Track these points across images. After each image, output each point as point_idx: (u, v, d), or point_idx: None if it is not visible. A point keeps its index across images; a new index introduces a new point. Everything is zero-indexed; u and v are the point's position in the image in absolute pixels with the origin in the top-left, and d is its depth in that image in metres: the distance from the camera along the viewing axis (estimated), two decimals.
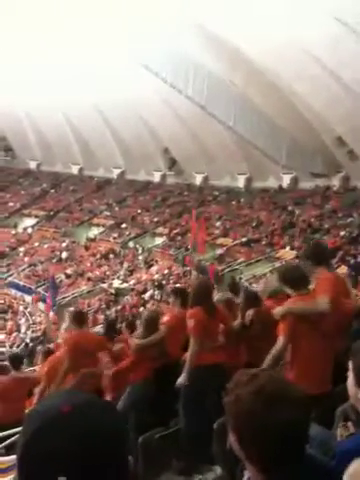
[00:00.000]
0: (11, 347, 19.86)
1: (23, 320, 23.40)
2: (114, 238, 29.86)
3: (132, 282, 24.41)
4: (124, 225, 30.81)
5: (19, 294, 26.47)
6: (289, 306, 3.70)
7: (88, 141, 34.49)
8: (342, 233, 21.86)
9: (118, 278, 25.21)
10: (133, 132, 31.62)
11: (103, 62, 26.97)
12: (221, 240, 26.11)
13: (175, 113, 29.02)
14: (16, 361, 6.90)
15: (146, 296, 22.28)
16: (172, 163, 33.22)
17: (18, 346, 19.92)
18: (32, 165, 38.49)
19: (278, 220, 25.66)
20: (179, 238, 27.12)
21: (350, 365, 1.78)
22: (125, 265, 26.39)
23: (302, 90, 23.70)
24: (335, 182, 27.01)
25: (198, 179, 32.20)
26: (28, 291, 26.20)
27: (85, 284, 25.78)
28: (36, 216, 34.12)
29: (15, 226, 33.56)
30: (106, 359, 5.42)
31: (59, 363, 5.72)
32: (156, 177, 33.98)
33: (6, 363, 7.75)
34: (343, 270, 15.28)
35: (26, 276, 27.93)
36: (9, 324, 23.20)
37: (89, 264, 27.81)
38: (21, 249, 31.11)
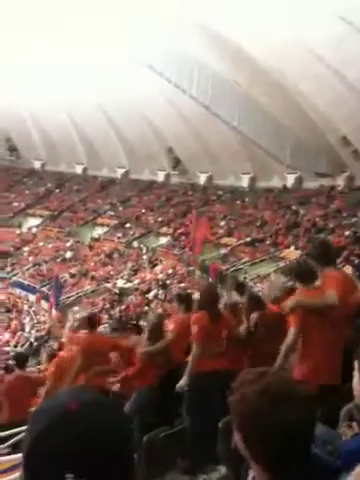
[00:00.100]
0: (16, 346, 19.93)
1: (27, 319, 23.45)
2: (118, 238, 29.87)
3: (136, 282, 24.42)
4: (128, 225, 30.81)
5: (24, 293, 26.54)
6: (298, 298, 3.75)
7: (92, 141, 34.51)
8: (347, 233, 21.80)
9: (122, 278, 25.23)
10: (137, 132, 31.62)
11: (107, 62, 26.98)
12: (225, 240, 26.08)
13: (179, 113, 29.00)
14: (21, 360, 6.94)
15: (150, 296, 22.28)
16: (176, 163, 33.19)
17: (22, 345, 19.98)
18: (36, 165, 38.54)
19: (282, 220, 25.61)
20: (183, 238, 27.09)
21: (355, 365, 1.79)
22: (129, 265, 26.40)
23: (307, 90, 23.63)
24: (340, 182, 26.93)
25: (202, 179, 32.16)
26: (32, 290, 26.26)
27: (89, 284, 25.81)
28: (40, 216, 34.17)
29: (20, 226, 33.62)
30: (116, 358, 5.52)
31: (66, 363, 5.77)
32: (160, 177, 33.96)
33: (11, 362, 7.79)
34: (348, 270, 15.24)
35: (30, 275, 27.99)
36: (14, 323, 23.26)
37: (93, 264, 27.83)
38: (25, 249, 31.18)
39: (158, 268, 25.32)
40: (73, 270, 27.39)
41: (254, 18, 21.96)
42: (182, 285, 21.75)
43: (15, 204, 35.49)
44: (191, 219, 25.54)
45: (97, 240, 30.44)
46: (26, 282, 27.30)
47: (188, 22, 23.97)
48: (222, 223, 27.63)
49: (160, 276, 24.02)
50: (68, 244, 30.31)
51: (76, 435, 0.87)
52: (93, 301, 23.77)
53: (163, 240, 28.51)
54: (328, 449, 1.83)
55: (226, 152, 29.43)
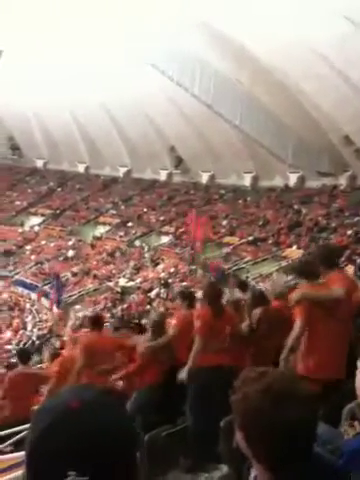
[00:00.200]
0: (18, 345, 19.95)
1: (29, 318, 23.49)
2: (120, 237, 29.89)
3: (138, 280, 24.44)
4: (130, 224, 30.83)
5: (26, 292, 26.59)
6: (304, 291, 3.78)
7: (94, 140, 34.53)
8: (349, 232, 21.80)
9: (124, 276, 25.25)
10: (139, 131, 31.63)
11: (109, 61, 26.96)
12: (227, 239, 26.09)
13: (181, 111, 29.00)
14: (24, 356, 6.94)
15: (152, 294, 22.30)
16: (178, 162, 33.19)
17: (25, 344, 20.00)
18: (39, 164, 38.57)
19: (285, 219, 25.60)
20: (185, 236, 27.11)
21: (358, 364, 1.79)
22: (131, 263, 26.42)
23: (309, 89, 23.61)
24: (342, 181, 26.89)
25: (204, 178, 32.16)
26: (35, 289, 26.31)
27: (91, 282, 25.84)
28: (43, 214, 34.22)
29: (22, 224, 33.67)
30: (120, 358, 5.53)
31: (69, 362, 5.79)
32: (162, 176, 33.96)
33: (14, 360, 7.81)
34: (350, 270, 15.25)
35: (33, 274, 28.04)
36: (16, 322, 23.30)
37: (95, 262, 27.86)
38: (28, 247, 31.23)
39: (160, 267, 25.35)
40: (75, 269, 27.43)
41: (257, 17, 21.94)
42: (184, 284, 21.76)
43: (17, 203, 35.54)
44: (191, 218, 25.58)
45: (99, 239, 30.47)
46: (28, 280, 27.35)
47: (191, 21, 23.94)
48: (224, 222, 27.64)
49: (162, 275, 24.04)
50: (70, 243, 30.36)
51: (78, 433, 0.87)
52: (95, 300, 23.80)
53: (165, 239, 28.53)
54: (330, 448, 1.83)
55: (228, 151, 29.42)
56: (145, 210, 31.54)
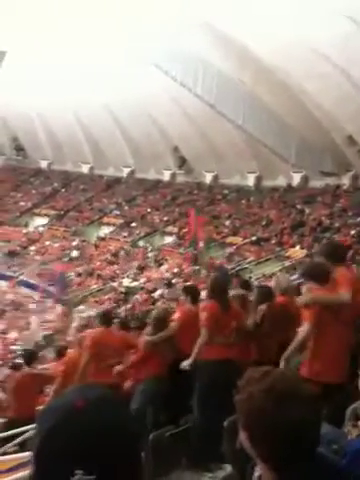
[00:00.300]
0: (23, 345, 19.98)
1: (34, 318, 23.52)
2: (124, 237, 29.91)
3: (142, 281, 24.45)
4: (134, 224, 30.84)
5: (30, 292, 26.62)
6: (314, 295, 3.78)
7: (98, 140, 34.57)
8: (352, 232, 21.75)
9: (128, 277, 25.27)
10: (142, 131, 31.64)
11: (112, 61, 26.99)
12: (231, 239, 26.08)
13: (184, 112, 28.99)
14: (29, 357, 6.97)
15: (156, 295, 22.31)
16: (182, 162, 33.18)
17: (29, 344, 20.03)
18: (43, 164, 38.62)
19: (288, 219, 25.56)
20: (187, 236, 27.09)
21: None
22: (135, 264, 26.44)
23: (312, 88, 23.57)
24: (345, 181, 26.83)
25: (208, 178, 32.14)
26: (39, 289, 26.33)
27: (95, 283, 25.87)
28: (47, 215, 34.26)
29: (26, 225, 33.73)
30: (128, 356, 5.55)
31: (75, 362, 5.81)
32: (166, 176, 33.95)
33: (19, 360, 7.83)
34: (354, 270, 15.19)
35: (37, 275, 28.08)
36: (20, 322, 23.33)
37: (99, 263, 27.89)
38: (32, 248, 31.29)
39: (164, 267, 25.35)
40: (79, 269, 27.47)
41: (259, 17, 21.92)
42: (189, 283, 21.75)
43: (22, 203, 35.61)
44: (190, 218, 25.58)
45: (103, 239, 30.50)
46: (33, 281, 27.39)
47: (193, 21, 23.95)
48: (227, 222, 27.63)
49: (166, 275, 24.05)
50: (74, 243, 30.39)
51: (83, 433, 0.87)
52: (99, 300, 23.83)
53: (169, 239, 28.53)
54: (333, 448, 1.84)
55: (231, 151, 29.40)
56: (149, 210, 31.54)
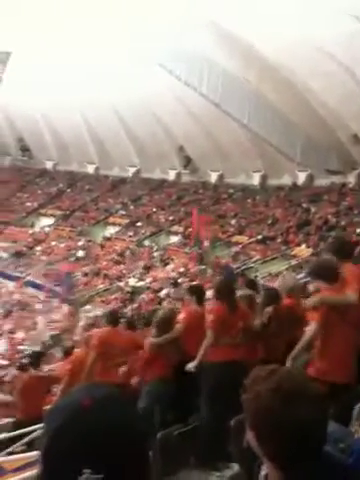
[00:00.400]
0: (30, 345, 20.05)
1: (41, 318, 23.59)
2: (130, 237, 29.94)
3: (148, 280, 24.47)
4: (139, 224, 30.86)
5: (37, 292, 26.71)
6: (322, 296, 3.79)
7: (103, 140, 34.62)
8: (358, 230, 21.65)
9: (134, 276, 25.30)
10: (147, 131, 31.65)
11: (117, 61, 27.01)
12: (236, 238, 26.04)
13: (189, 111, 28.96)
14: (35, 359, 7.00)
15: (162, 294, 22.32)
16: (187, 161, 33.16)
17: (36, 344, 20.10)
18: (48, 165, 38.72)
19: (293, 218, 25.49)
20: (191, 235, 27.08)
21: None
22: (141, 263, 26.47)
23: (317, 87, 23.49)
24: (351, 179, 26.71)
25: (213, 177, 32.10)
26: (45, 289, 26.41)
27: (101, 282, 25.92)
28: (53, 215, 34.35)
29: (32, 225, 33.84)
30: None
31: (82, 361, 5.83)
32: (171, 175, 33.95)
33: (26, 360, 7.86)
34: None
35: (43, 275, 28.17)
36: (27, 322, 23.41)
37: (105, 263, 27.94)
38: (38, 248, 31.39)
39: (170, 267, 25.36)
40: (85, 269, 27.53)
41: (264, 16, 21.87)
42: (194, 283, 21.75)
43: (28, 204, 35.72)
44: (193, 217, 25.56)
45: (109, 239, 30.54)
46: (39, 281, 27.48)
47: (198, 20, 23.93)
48: (233, 221, 27.59)
49: (172, 274, 24.05)
50: (80, 243, 30.46)
51: (90, 432, 0.87)
52: (105, 300, 23.87)
53: (174, 239, 28.53)
54: (340, 447, 1.84)
55: (237, 150, 29.35)
56: (154, 210, 31.55)
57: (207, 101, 24.89)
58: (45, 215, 34.56)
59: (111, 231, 31.35)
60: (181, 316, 5.53)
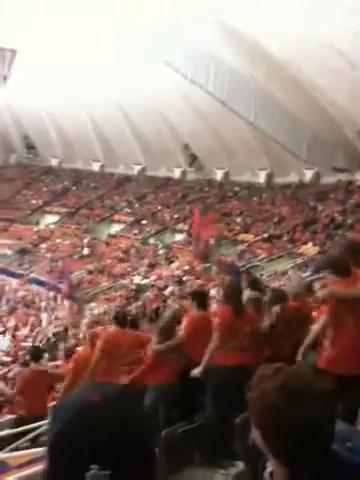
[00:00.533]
0: (34, 342, 20.13)
1: (45, 315, 23.69)
2: (134, 234, 30.00)
3: (153, 278, 24.50)
4: (144, 221, 30.91)
5: (41, 290, 26.82)
6: (332, 289, 3.84)
7: (108, 138, 34.67)
8: None
9: (139, 274, 25.34)
10: (153, 128, 31.66)
11: (123, 59, 27.00)
12: (242, 236, 26.02)
13: (195, 109, 28.94)
14: (36, 354, 7.02)
15: (166, 292, 22.33)
16: (192, 159, 33.15)
17: (40, 341, 20.18)
18: (54, 162, 38.84)
19: (300, 216, 25.43)
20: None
21: None
22: (146, 261, 26.50)
23: (324, 84, 23.38)
24: (358, 177, 26.57)
25: (219, 175, 32.07)
26: (50, 287, 26.51)
27: (106, 280, 25.98)
28: (58, 213, 34.48)
29: (37, 223, 33.98)
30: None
31: (85, 359, 5.84)
32: (176, 173, 33.95)
33: (27, 356, 7.89)
34: None
35: (48, 272, 28.27)
36: (31, 319, 23.51)
37: (110, 260, 28.00)
38: (43, 245, 31.50)
39: (174, 264, 25.38)
40: (90, 266, 27.60)
41: (270, 13, 21.78)
42: (199, 281, 21.77)
43: (33, 201, 35.86)
44: (194, 217, 25.55)
45: (114, 237, 30.61)
46: (43, 278, 27.59)
47: (204, 18, 23.87)
48: (239, 219, 27.56)
49: (176, 272, 24.07)
50: (85, 241, 30.55)
51: (98, 427, 0.87)
52: (110, 297, 23.92)
53: (179, 236, 28.56)
54: (348, 446, 1.81)
55: (243, 148, 29.29)
56: (159, 208, 31.58)
57: (213, 99, 24.84)
58: (50, 212, 34.69)
59: (116, 229, 31.42)
60: (183, 323, 5.49)
